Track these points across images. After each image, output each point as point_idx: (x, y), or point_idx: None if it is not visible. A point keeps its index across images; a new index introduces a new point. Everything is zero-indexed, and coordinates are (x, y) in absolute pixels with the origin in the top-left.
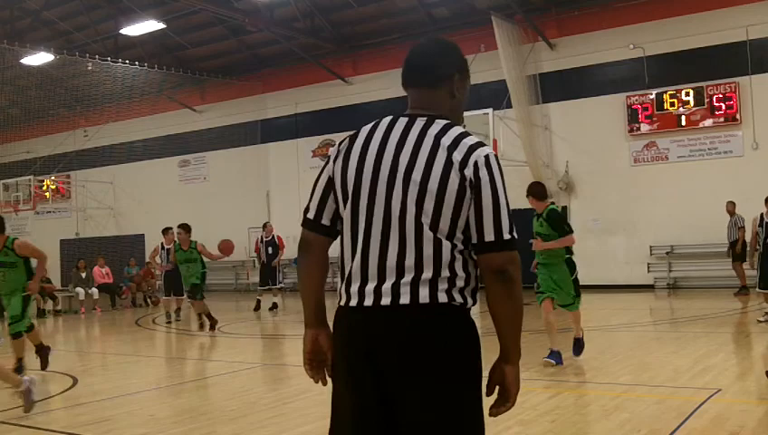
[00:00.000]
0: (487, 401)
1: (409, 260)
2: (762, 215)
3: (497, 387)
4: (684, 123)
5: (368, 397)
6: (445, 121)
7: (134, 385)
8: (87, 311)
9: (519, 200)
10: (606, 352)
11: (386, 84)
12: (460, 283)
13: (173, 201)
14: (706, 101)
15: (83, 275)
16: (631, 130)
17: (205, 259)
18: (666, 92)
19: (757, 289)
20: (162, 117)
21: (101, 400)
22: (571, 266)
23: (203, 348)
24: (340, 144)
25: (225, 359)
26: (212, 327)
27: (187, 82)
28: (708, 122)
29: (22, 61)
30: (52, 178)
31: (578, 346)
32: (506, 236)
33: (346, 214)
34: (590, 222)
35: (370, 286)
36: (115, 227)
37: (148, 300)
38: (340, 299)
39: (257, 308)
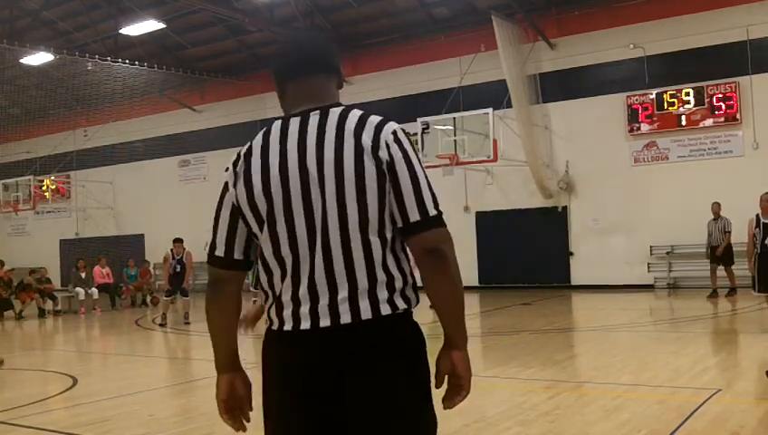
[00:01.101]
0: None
1: (340, 272)
2: (758, 216)
3: (446, 377)
4: (684, 123)
5: (312, 429)
6: (341, 108)
7: (134, 385)
8: (87, 311)
9: (520, 200)
10: (606, 353)
11: (386, 84)
12: (399, 284)
13: (173, 201)
14: (707, 100)
15: (83, 275)
16: (631, 130)
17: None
18: (666, 92)
19: (755, 292)
20: (162, 117)
21: (101, 400)
22: None
23: (203, 348)
24: (235, 165)
25: None
26: None
27: (187, 82)
28: (708, 122)
29: (21, 61)
30: (52, 178)
31: None
32: (432, 212)
33: (264, 238)
34: (590, 222)
35: (305, 308)
36: (115, 227)
37: (147, 300)
38: (271, 324)
39: None
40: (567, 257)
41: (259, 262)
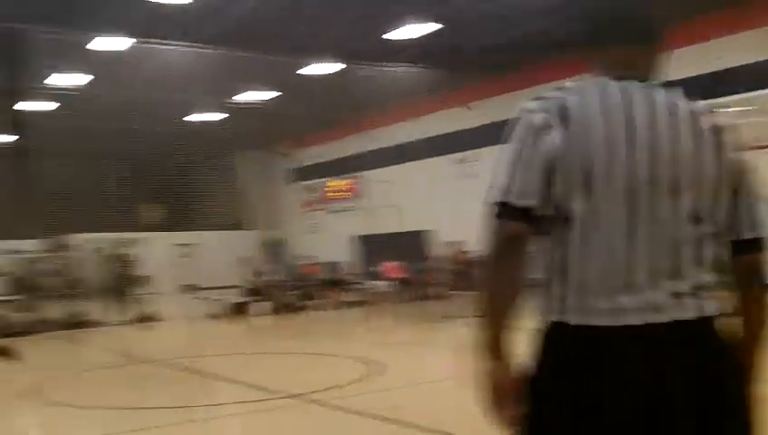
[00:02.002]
0: None
1: (688, 263)
2: None
3: None
4: None
5: None
6: (677, 89)
7: (427, 375)
8: (380, 303)
9: None
10: None
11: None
12: (718, 291)
13: (450, 199)
14: None
15: (375, 268)
16: None
17: None
18: None
19: None
20: (437, 116)
21: (395, 388)
22: None
23: None
24: (563, 113)
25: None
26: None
27: (460, 81)
28: None
29: (302, 72)
30: (344, 178)
31: None
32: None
33: (594, 204)
34: None
35: (651, 296)
36: (398, 224)
37: (439, 293)
38: (595, 315)
39: None
40: None
41: (565, 235)
